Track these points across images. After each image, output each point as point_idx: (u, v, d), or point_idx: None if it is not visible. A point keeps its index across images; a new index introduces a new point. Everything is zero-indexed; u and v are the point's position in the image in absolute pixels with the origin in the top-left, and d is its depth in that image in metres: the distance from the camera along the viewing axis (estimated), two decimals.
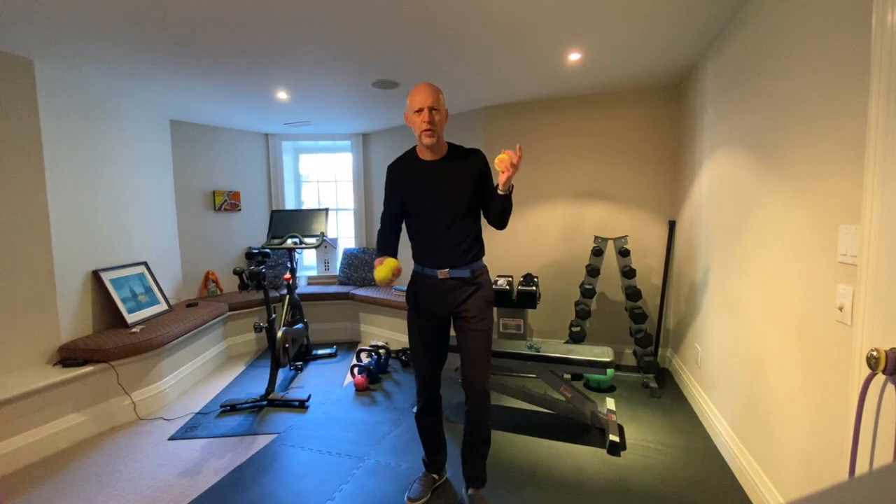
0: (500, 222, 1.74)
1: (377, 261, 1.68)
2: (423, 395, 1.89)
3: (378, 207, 4.68)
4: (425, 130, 1.63)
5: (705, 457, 2.16)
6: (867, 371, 1.10)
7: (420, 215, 1.76)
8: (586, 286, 3.17)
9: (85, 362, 2.52)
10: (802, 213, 1.47)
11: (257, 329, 2.91)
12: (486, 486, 1.90)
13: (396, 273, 1.64)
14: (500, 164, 1.57)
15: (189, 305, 3.55)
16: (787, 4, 1.59)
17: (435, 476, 1.98)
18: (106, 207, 3.01)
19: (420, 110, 1.62)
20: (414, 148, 1.79)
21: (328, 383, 3.26)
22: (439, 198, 1.71)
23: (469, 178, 1.73)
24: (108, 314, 2.95)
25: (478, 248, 1.79)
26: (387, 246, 1.84)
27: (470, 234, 1.76)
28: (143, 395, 2.76)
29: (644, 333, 3.04)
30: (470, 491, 1.85)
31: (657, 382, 3.02)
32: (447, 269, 1.74)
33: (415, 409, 1.85)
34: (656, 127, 3.30)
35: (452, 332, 1.89)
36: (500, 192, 1.65)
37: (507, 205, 1.69)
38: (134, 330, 2.84)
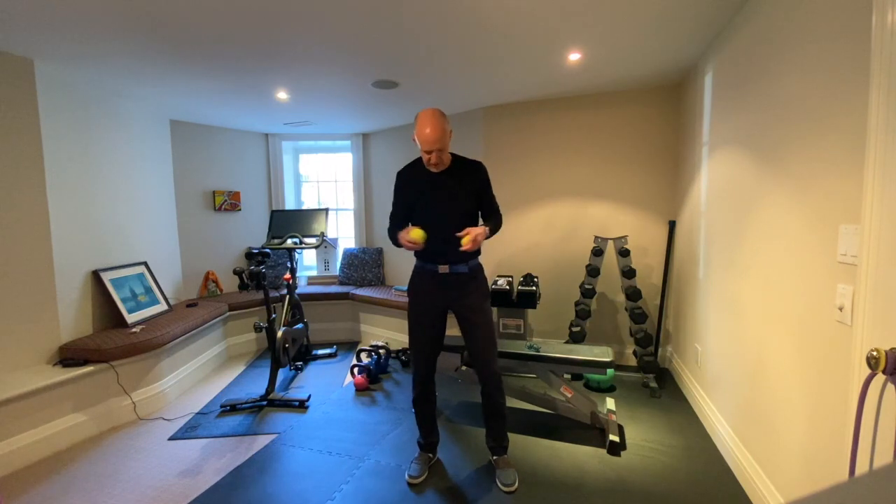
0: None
1: (403, 232, 1.88)
2: (419, 382, 2.06)
3: (378, 207, 4.68)
4: (430, 164, 1.87)
5: (705, 457, 2.16)
6: (867, 371, 1.10)
7: (424, 219, 1.95)
8: (586, 286, 3.17)
9: (85, 362, 2.52)
10: (802, 212, 1.47)
11: (257, 329, 2.91)
12: (490, 482, 1.96)
13: (423, 238, 1.85)
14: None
15: (189, 305, 3.55)
16: (787, 4, 1.59)
17: (430, 455, 2.16)
18: (106, 207, 3.00)
19: (429, 152, 1.82)
20: (421, 157, 1.96)
21: (328, 383, 3.26)
22: (441, 204, 1.92)
23: (469, 188, 1.94)
24: (108, 314, 2.95)
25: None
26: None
27: None
28: (143, 395, 2.76)
29: (644, 333, 3.04)
30: (495, 457, 2.09)
31: (657, 382, 3.02)
32: (447, 266, 1.95)
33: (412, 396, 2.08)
34: (656, 127, 3.30)
35: (455, 333, 1.94)
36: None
37: (491, 234, 1.97)
38: (134, 330, 2.84)
